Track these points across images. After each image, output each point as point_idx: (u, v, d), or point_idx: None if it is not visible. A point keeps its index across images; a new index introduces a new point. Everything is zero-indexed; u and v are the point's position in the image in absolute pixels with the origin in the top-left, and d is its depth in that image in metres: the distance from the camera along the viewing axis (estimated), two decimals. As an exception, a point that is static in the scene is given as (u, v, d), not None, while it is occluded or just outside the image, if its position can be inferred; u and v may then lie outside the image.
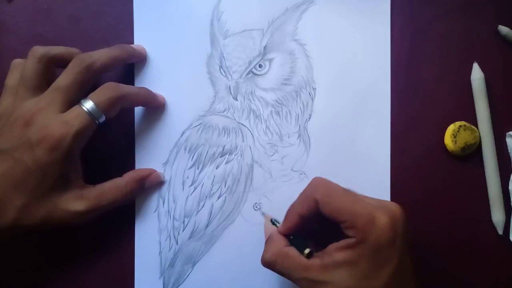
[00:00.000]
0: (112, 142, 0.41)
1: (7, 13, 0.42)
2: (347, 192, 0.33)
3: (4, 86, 0.37)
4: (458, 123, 0.40)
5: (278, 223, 0.38)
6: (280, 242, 0.35)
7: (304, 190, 0.35)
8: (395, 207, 0.33)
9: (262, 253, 0.35)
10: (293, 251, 0.34)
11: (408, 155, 0.41)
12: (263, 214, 0.40)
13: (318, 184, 0.34)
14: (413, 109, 0.41)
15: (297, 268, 0.33)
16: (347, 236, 0.32)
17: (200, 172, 0.41)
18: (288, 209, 0.36)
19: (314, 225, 0.35)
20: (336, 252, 0.32)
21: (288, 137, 0.41)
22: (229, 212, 0.41)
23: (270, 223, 0.38)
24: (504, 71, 0.41)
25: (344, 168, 0.41)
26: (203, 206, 0.41)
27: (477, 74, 0.40)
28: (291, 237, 0.35)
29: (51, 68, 0.37)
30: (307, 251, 0.33)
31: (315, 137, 0.41)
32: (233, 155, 0.41)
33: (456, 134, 0.40)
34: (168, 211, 0.41)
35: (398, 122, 0.41)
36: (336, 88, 0.41)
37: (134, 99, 0.38)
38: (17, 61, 0.38)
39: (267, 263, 0.34)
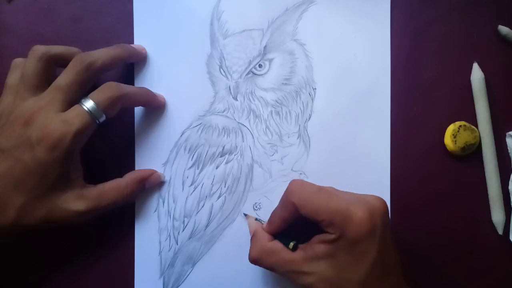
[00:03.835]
0: (112, 142, 0.41)
1: (7, 13, 0.42)
2: (322, 190, 0.34)
3: (5, 85, 0.37)
4: (458, 123, 0.40)
5: (263, 221, 0.39)
6: (264, 239, 0.36)
7: (283, 195, 0.36)
8: (374, 200, 0.33)
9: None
10: (277, 245, 0.35)
11: (408, 155, 0.41)
12: (244, 215, 0.40)
13: (293, 188, 0.35)
14: (413, 109, 0.41)
15: (281, 262, 0.34)
16: (327, 232, 0.33)
17: (200, 172, 0.41)
18: (272, 213, 0.37)
19: (299, 225, 0.36)
20: (317, 244, 0.33)
21: (288, 137, 0.41)
22: (229, 212, 0.41)
23: (254, 221, 0.39)
24: (504, 71, 0.41)
25: (344, 168, 0.41)
26: (203, 206, 0.41)
27: (477, 74, 0.40)
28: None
29: (52, 67, 0.37)
30: (291, 245, 0.35)
31: (315, 137, 0.41)
32: (233, 155, 0.41)
33: (456, 134, 0.40)
34: (168, 211, 0.41)
35: (398, 122, 0.41)
36: (336, 88, 0.41)
37: (134, 99, 0.38)
38: (17, 61, 0.38)
39: (253, 260, 0.36)
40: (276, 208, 0.36)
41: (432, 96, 0.41)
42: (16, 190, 0.34)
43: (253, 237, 0.37)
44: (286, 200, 0.35)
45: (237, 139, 0.41)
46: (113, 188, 0.38)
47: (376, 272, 0.32)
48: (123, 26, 0.42)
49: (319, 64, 0.41)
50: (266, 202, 0.41)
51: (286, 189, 0.35)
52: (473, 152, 0.41)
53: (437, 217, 0.41)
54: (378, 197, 0.34)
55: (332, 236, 0.32)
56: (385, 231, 0.33)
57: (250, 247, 0.36)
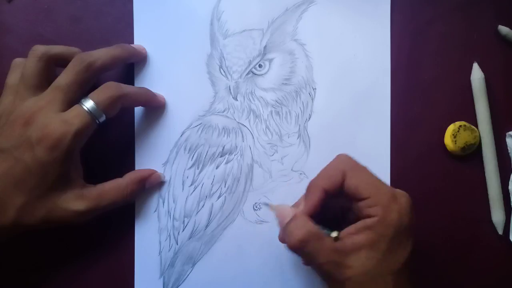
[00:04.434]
0: (112, 142, 0.41)
1: (7, 13, 0.42)
2: (370, 171, 0.34)
3: (5, 85, 0.37)
4: (458, 123, 0.40)
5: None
6: (308, 221, 0.32)
7: (329, 165, 0.34)
8: (407, 194, 0.33)
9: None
10: (321, 231, 0.32)
11: (408, 155, 0.41)
12: (267, 205, 0.38)
13: (345, 158, 0.34)
14: (413, 109, 0.41)
15: (327, 250, 0.31)
16: (366, 216, 0.32)
17: (200, 172, 0.41)
18: (309, 186, 0.34)
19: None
20: (355, 234, 0.32)
21: (288, 137, 0.41)
22: (229, 212, 0.41)
23: (285, 207, 0.35)
24: (504, 71, 0.41)
25: (344, 168, 0.40)
26: (203, 206, 0.41)
27: (477, 74, 0.40)
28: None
29: (52, 67, 0.37)
30: (334, 234, 0.32)
31: (315, 137, 0.41)
32: (233, 155, 0.41)
33: (456, 134, 0.40)
34: (168, 211, 0.41)
35: (398, 122, 0.41)
36: (336, 88, 0.41)
37: (134, 99, 0.38)
38: (17, 60, 0.38)
39: (299, 242, 0.32)
40: (315, 179, 0.34)
41: (432, 96, 0.41)
42: (16, 190, 0.34)
43: (293, 220, 0.33)
44: (335, 169, 0.33)
45: (237, 139, 0.41)
46: (113, 188, 0.38)
47: (407, 265, 0.32)
48: (123, 26, 0.42)
49: (319, 64, 0.41)
50: (265, 202, 0.41)
51: (334, 160, 0.34)
52: (473, 152, 0.41)
53: (437, 217, 0.41)
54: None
55: (375, 219, 0.31)
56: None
57: (290, 230, 0.32)
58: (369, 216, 0.32)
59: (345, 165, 0.33)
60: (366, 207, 0.32)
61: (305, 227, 0.32)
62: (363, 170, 0.33)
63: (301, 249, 0.32)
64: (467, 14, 0.41)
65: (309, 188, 0.34)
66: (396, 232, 0.31)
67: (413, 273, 0.34)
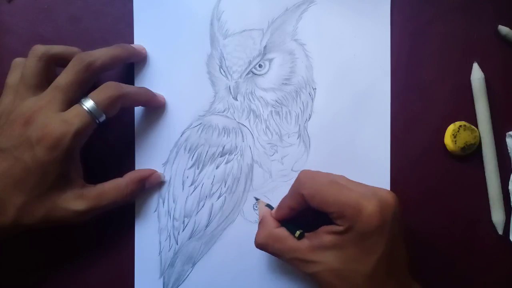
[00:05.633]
0: (112, 142, 0.41)
1: (7, 13, 0.42)
2: (333, 183, 0.34)
3: (5, 85, 0.37)
4: (458, 123, 0.40)
5: (273, 207, 0.38)
6: (271, 225, 0.36)
7: (293, 185, 0.36)
8: (387, 194, 0.33)
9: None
10: (283, 232, 0.35)
11: (408, 155, 0.41)
12: (256, 199, 0.40)
13: (303, 178, 0.35)
14: (413, 109, 0.41)
15: (287, 249, 0.35)
16: (335, 223, 0.33)
17: (200, 172, 0.41)
18: (280, 201, 0.37)
19: (307, 213, 0.36)
20: (325, 234, 0.33)
21: (288, 137, 0.41)
22: (229, 212, 0.41)
23: (264, 206, 0.39)
24: (504, 71, 0.41)
25: (344, 168, 0.40)
26: (203, 206, 0.41)
27: (477, 74, 0.40)
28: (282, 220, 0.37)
29: (52, 66, 0.37)
30: (297, 233, 0.35)
31: (315, 137, 0.41)
32: (233, 155, 0.41)
33: (456, 134, 0.40)
34: (168, 211, 0.41)
35: (398, 122, 0.41)
36: (336, 88, 0.41)
37: (134, 99, 0.38)
38: (18, 60, 0.38)
39: (259, 245, 0.36)
40: (285, 196, 0.37)
41: (432, 96, 0.41)
42: (16, 189, 0.34)
43: (261, 222, 0.37)
44: (296, 191, 0.35)
45: (237, 139, 0.41)
46: (112, 188, 0.38)
47: (383, 266, 0.32)
48: (123, 26, 0.42)
49: (319, 64, 0.41)
50: (265, 201, 0.41)
51: (296, 179, 0.35)
52: (473, 152, 0.41)
53: (437, 217, 0.41)
54: (390, 191, 0.34)
55: (341, 228, 0.32)
56: (394, 227, 0.32)
57: (257, 232, 0.36)
58: (337, 224, 0.33)
59: (303, 188, 0.34)
60: (333, 219, 0.33)
61: (266, 230, 0.36)
62: (324, 185, 0.34)
63: (263, 249, 0.36)
64: (467, 14, 0.41)
65: (279, 204, 0.37)
66: (361, 239, 0.32)
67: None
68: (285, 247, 0.35)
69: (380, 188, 0.35)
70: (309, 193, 0.34)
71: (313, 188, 0.34)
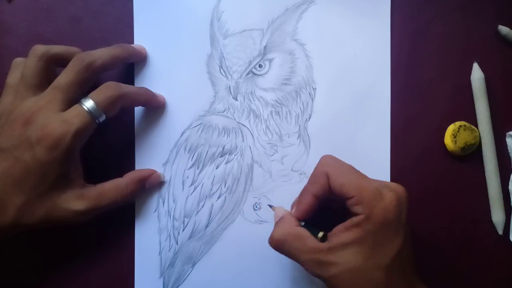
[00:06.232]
0: (112, 142, 0.41)
1: (7, 13, 0.42)
2: (353, 169, 0.34)
3: (5, 85, 0.37)
4: (458, 123, 0.40)
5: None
6: (292, 222, 0.34)
7: (315, 169, 0.35)
8: (398, 187, 0.33)
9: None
10: (304, 231, 0.33)
11: (408, 155, 0.41)
12: (270, 206, 0.39)
13: (327, 160, 0.35)
14: (413, 109, 0.41)
15: (306, 250, 0.33)
16: (354, 214, 0.32)
17: (200, 172, 0.41)
18: (301, 192, 0.35)
19: (323, 213, 0.35)
20: (343, 232, 0.32)
21: (288, 137, 0.41)
22: (229, 212, 0.41)
23: (280, 209, 0.37)
24: (504, 71, 0.41)
25: (344, 168, 0.40)
26: (203, 206, 0.41)
27: (477, 74, 0.40)
28: (303, 223, 0.35)
29: (52, 66, 0.37)
30: (321, 234, 0.33)
31: (315, 137, 0.41)
32: (233, 155, 0.41)
33: (456, 134, 0.40)
34: (168, 211, 0.41)
35: (398, 122, 0.41)
36: (336, 88, 0.41)
37: (134, 99, 0.38)
38: (18, 60, 0.38)
39: (277, 241, 0.34)
40: (305, 186, 0.35)
41: (432, 96, 0.41)
42: (16, 189, 0.34)
43: (280, 220, 0.35)
44: (319, 172, 0.34)
45: (237, 139, 0.41)
46: (112, 188, 0.38)
47: (401, 257, 0.32)
48: (123, 26, 0.42)
49: (319, 64, 0.41)
50: (266, 202, 0.41)
51: (319, 162, 0.35)
52: (473, 152, 0.41)
53: (437, 217, 0.41)
54: (401, 185, 0.34)
55: (360, 217, 0.31)
56: (407, 219, 0.32)
57: (275, 229, 0.34)
58: (356, 214, 0.32)
59: (327, 166, 0.34)
60: (352, 205, 0.32)
61: (285, 228, 0.34)
62: (347, 169, 0.34)
63: (279, 248, 0.34)
64: (467, 14, 0.41)
65: (301, 194, 0.35)
66: (382, 228, 0.31)
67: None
68: (305, 247, 0.33)
69: (391, 182, 0.35)
70: (333, 173, 0.33)
71: (337, 169, 0.34)
